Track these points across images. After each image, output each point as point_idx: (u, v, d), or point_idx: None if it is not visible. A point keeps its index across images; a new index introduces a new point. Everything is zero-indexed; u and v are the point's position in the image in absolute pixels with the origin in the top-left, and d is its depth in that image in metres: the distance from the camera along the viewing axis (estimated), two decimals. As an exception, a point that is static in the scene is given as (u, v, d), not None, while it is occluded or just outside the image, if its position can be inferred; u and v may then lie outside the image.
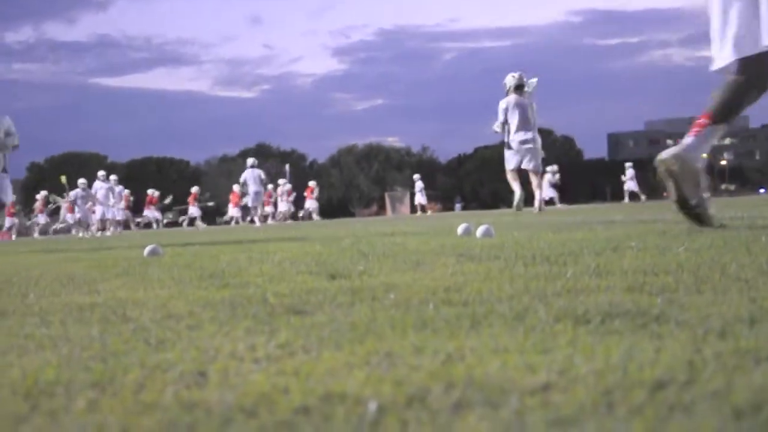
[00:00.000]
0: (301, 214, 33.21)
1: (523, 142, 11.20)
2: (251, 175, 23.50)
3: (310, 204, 33.07)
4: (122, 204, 25.02)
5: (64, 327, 1.64)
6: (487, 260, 2.73)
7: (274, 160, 76.17)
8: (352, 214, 70.42)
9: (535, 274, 2.12)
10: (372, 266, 2.73)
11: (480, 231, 4.60)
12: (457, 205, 66.30)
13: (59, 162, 77.54)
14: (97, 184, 23.93)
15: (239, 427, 0.81)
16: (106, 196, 23.67)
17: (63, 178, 23.23)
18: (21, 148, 9.11)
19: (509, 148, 11.53)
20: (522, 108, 11.22)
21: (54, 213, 29.50)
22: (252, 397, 0.93)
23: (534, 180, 11.64)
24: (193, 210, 32.99)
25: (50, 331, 1.60)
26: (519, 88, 11.28)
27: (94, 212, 23.63)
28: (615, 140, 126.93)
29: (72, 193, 23.96)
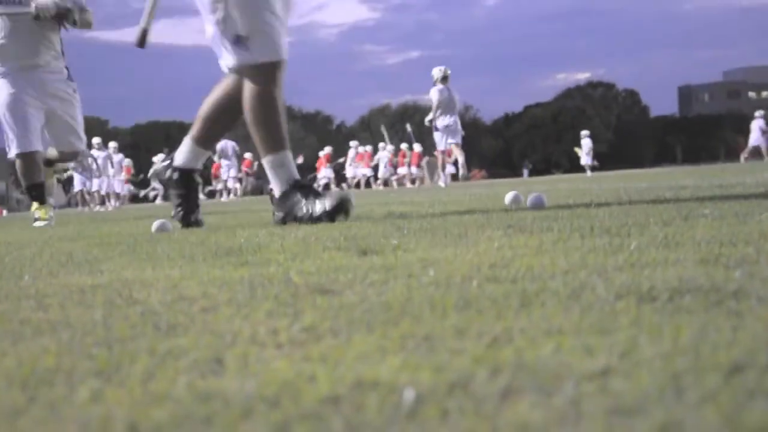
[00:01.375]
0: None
1: (448, 125, 16.23)
2: (225, 148, 23.97)
3: (326, 173, 33.26)
4: (122, 175, 25.24)
5: (63, 311, 1.68)
6: (539, 232, 2.72)
7: (296, 123, 76.32)
8: (386, 184, 70.43)
9: (593, 247, 2.11)
10: (408, 240, 2.73)
11: (531, 200, 4.59)
12: (525, 171, 65.74)
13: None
14: (94, 154, 24.16)
15: (260, 419, 0.82)
16: (104, 167, 23.92)
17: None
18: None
19: (436, 130, 16.68)
20: (449, 96, 16.06)
21: (67, 184, 29.80)
22: (274, 385, 0.94)
23: (457, 151, 16.66)
24: (326, 172, 33.32)
25: (48, 315, 1.64)
26: (445, 78, 16.24)
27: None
28: (687, 94, 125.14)
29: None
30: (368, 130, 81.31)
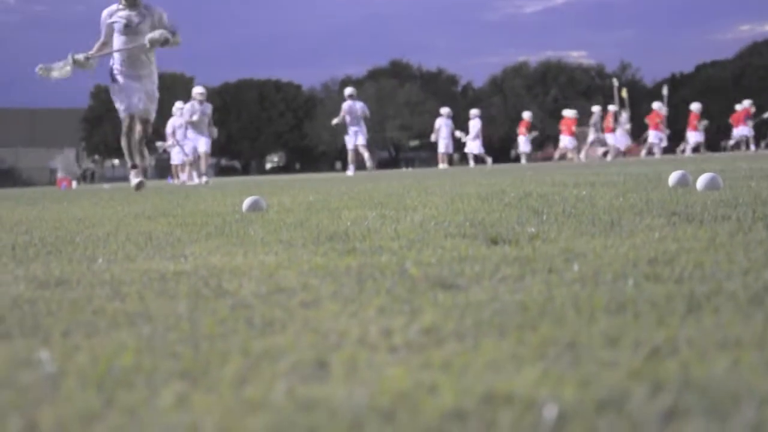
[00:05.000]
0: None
1: (355, 131, 23.28)
2: (354, 109, 23.90)
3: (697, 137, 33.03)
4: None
5: (142, 301, 1.74)
6: (712, 221, 2.66)
7: (414, 84, 76.48)
8: (519, 159, 69.93)
9: (781, 241, 2.06)
10: (548, 228, 2.72)
11: (702, 181, 4.49)
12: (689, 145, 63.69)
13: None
14: (172, 121, 24.49)
15: (372, 434, 0.84)
16: (202, 128, 24.15)
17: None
18: (83, 70, 10.55)
19: (347, 134, 23.65)
20: (354, 109, 23.18)
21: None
22: (388, 396, 0.96)
23: (364, 152, 23.22)
24: (696, 135, 33.28)
25: (125, 305, 1.70)
26: (351, 96, 23.39)
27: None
28: None
29: (170, 124, 24.66)
30: (501, 93, 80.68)
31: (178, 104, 24.12)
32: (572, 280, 1.67)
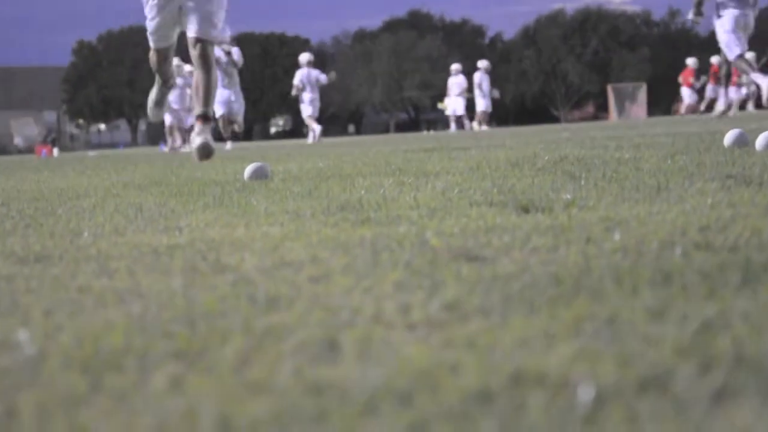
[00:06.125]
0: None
1: (312, 99, 24.03)
2: (311, 77, 24.20)
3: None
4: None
5: (132, 277, 1.75)
6: (772, 185, 2.66)
7: (435, 36, 76.13)
8: (554, 119, 69.68)
9: None
10: (585, 194, 2.72)
11: (762, 140, 4.47)
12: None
13: (118, 40, 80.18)
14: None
15: (388, 417, 0.85)
16: (182, 96, 24.42)
17: None
18: (64, 24, 10.02)
19: (303, 102, 24.23)
20: (311, 77, 23.82)
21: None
22: (405, 376, 0.97)
23: (311, 123, 24.28)
24: (690, 94, 32.64)
25: (114, 282, 1.71)
26: (309, 63, 24.02)
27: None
28: None
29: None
30: (534, 45, 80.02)
31: (174, 61, 24.18)
32: (612, 250, 1.67)
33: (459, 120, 30.45)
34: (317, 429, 0.84)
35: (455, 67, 30.61)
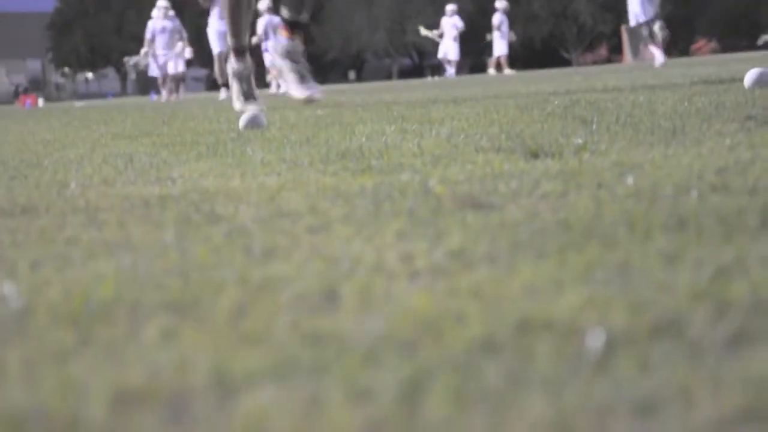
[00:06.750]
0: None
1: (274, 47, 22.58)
2: (273, 23, 23.99)
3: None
4: (187, 50, 25.49)
5: (123, 229, 1.76)
6: (794, 127, 2.66)
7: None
8: (566, 62, 69.30)
9: None
10: (597, 139, 2.72)
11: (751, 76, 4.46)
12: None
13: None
14: (153, 24, 24.41)
15: (389, 368, 0.85)
16: (170, 41, 24.29)
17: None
18: None
19: (266, 51, 23.22)
20: (273, 23, 22.09)
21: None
22: (407, 326, 0.97)
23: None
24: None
25: (103, 234, 1.72)
26: (270, 9, 22.96)
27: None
28: None
29: (149, 28, 24.55)
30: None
31: (160, 2, 24.05)
32: (625, 195, 1.68)
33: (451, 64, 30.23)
34: (316, 380, 0.84)
35: (450, 7, 30.34)
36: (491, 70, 28.85)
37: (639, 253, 1.22)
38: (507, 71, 28.19)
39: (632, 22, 19.46)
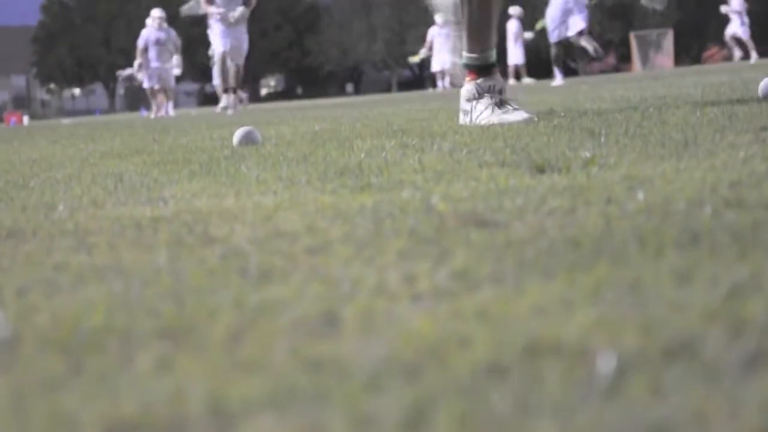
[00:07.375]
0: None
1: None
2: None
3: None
4: (177, 61, 25.47)
5: (114, 252, 1.76)
6: (810, 138, 2.66)
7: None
8: (572, 72, 69.30)
9: None
10: (606, 152, 2.72)
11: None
12: None
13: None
14: (147, 33, 24.44)
15: (392, 395, 0.86)
16: (162, 52, 24.27)
17: None
18: None
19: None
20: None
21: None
22: (411, 351, 0.98)
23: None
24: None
25: (93, 258, 1.72)
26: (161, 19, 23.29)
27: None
28: None
29: (143, 37, 24.55)
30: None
31: (155, 12, 24.09)
32: (636, 210, 1.68)
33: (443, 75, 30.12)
34: (317, 408, 0.84)
35: (441, 17, 30.25)
36: (511, 81, 28.70)
37: (650, 272, 1.22)
38: (526, 80, 28.13)
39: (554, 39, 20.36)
